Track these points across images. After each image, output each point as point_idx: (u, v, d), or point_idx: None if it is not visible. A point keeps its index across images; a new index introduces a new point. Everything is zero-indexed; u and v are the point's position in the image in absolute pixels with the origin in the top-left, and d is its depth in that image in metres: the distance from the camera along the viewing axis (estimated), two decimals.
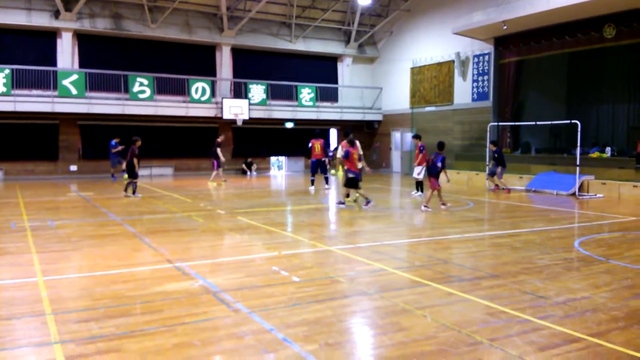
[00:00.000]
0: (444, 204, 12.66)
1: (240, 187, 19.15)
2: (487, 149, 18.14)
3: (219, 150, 19.97)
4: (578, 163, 15.83)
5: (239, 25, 24.91)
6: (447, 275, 6.42)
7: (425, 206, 12.41)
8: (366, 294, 5.64)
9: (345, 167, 12.87)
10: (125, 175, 21.67)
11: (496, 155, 17.04)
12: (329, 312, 5.00)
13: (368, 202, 12.67)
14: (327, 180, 17.94)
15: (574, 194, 15.72)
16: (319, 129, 21.47)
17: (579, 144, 15.80)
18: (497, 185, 17.16)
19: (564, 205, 13.70)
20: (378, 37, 28.69)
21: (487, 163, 18.11)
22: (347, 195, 13.36)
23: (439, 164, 12.47)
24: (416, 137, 15.91)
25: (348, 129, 13.55)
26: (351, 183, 12.74)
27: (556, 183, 16.62)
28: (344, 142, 13.38)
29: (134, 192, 15.08)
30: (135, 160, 14.59)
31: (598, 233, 9.52)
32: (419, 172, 15.51)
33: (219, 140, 20.25)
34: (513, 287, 5.86)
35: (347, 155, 12.74)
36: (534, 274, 6.46)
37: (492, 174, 17.41)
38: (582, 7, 16.63)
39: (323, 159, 17.46)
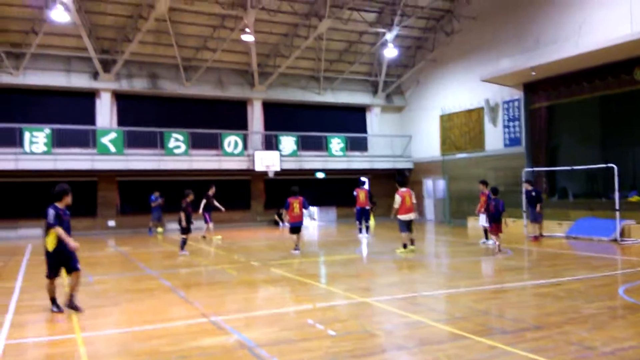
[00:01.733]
0: (500, 250, 13.10)
1: (273, 238, 19.18)
2: (523, 192, 17.78)
3: (210, 202, 18.66)
4: (617, 207, 15.39)
5: (269, 80, 25.61)
6: (488, 327, 6.22)
7: (499, 250, 12.92)
8: (405, 348, 5.49)
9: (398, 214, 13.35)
10: (160, 230, 22.18)
11: (534, 194, 16.27)
12: None
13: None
14: (367, 229, 17.90)
15: (615, 240, 15.22)
16: (361, 178, 21.24)
17: (617, 188, 15.42)
18: (539, 234, 16.26)
19: (606, 252, 13.25)
20: (405, 86, 29.04)
21: (525, 208, 17.36)
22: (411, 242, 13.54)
23: (501, 209, 13.15)
24: (483, 183, 15.49)
25: (400, 176, 13.68)
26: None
27: (596, 229, 16.15)
28: (407, 190, 13.66)
29: (181, 248, 14.20)
30: (182, 215, 13.89)
31: None
32: (485, 219, 14.70)
33: (209, 193, 18.69)
34: (558, 338, 5.63)
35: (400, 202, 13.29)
36: (579, 323, 6.21)
37: (535, 219, 16.42)
38: (610, 50, 16.57)
39: (367, 207, 17.72)
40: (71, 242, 7.20)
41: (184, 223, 13.95)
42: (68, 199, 7.50)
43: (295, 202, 14.10)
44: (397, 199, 13.41)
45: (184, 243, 14.21)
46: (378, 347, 5.59)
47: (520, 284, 9.15)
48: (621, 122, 19.79)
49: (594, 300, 7.47)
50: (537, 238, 16.22)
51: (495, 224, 13.17)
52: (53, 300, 7.50)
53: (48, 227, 7.27)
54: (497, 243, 13.13)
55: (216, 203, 18.94)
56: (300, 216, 14.25)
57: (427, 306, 7.48)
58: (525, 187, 17.05)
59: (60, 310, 7.37)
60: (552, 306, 7.20)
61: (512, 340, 5.59)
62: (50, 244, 7.32)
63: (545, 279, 9.44)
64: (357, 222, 18.20)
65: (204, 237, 18.74)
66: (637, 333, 5.73)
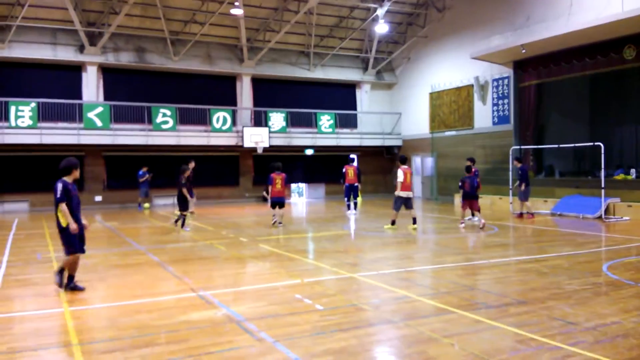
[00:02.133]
0: (463, 222, 14.08)
1: (261, 214, 19.20)
2: (510, 169, 17.90)
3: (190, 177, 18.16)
4: (603, 186, 15.57)
5: (258, 55, 25.35)
6: (473, 302, 6.31)
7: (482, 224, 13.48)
8: (391, 322, 5.56)
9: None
10: (147, 205, 22.09)
11: (520, 172, 16.38)
12: (354, 341, 4.94)
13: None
14: (355, 205, 17.95)
15: (600, 217, 15.43)
16: (350, 155, 21.27)
17: (603, 167, 15.58)
18: (521, 212, 16.52)
19: (590, 229, 13.44)
20: (396, 63, 28.90)
21: (513, 185, 17.41)
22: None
23: (476, 186, 13.98)
24: (471, 161, 15.66)
25: (403, 154, 13.74)
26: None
27: (582, 206, 16.34)
28: (407, 168, 13.71)
29: (182, 226, 13.96)
30: (184, 191, 13.71)
31: (626, 256, 9.30)
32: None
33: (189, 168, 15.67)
34: (542, 313, 5.73)
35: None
36: (563, 299, 6.32)
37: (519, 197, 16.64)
38: (601, 29, 16.57)
39: (356, 184, 17.82)
40: (72, 224, 6.88)
41: (189, 199, 13.98)
42: (76, 173, 7.26)
43: (278, 178, 14.48)
44: (400, 174, 13.44)
45: (184, 220, 14.05)
46: (365, 321, 5.66)
47: (505, 259, 9.27)
48: (609, 101, 19.92)
49: (578, 277, 7.60)
50: (523, 215, 16.38)
51: (469, 201, 13.88)
52: (71, 278, 7.12)
53: (55, 201, 7.07)
54: (462, 217, 14.16)
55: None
56: (282, 192, 14.60)
57: (414, 281, 7.57)
58: (515, 164, 17.17)
59: (61, 287, 7.07)
60: (536, 282, 7.32)
61: (496, 315, 5.68)
62: (63, 219, 7.00)
63: (530, 255, 9.58)
64: (346, 199, 18.25)
65: (191, 212, 18.63)
66: (619, 309, 5.85)
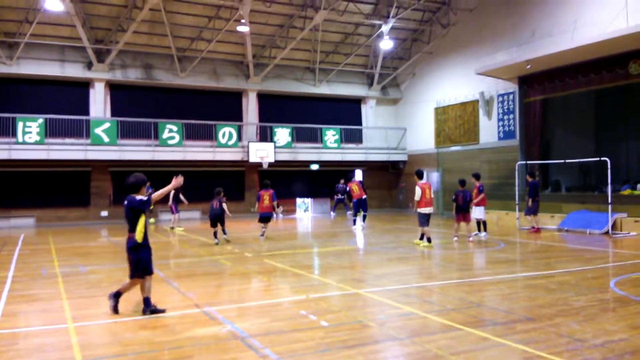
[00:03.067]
0: (456, 236, 14.35)
1: (267, 229, 19.16)
2: (517, 184, 17.82)
3: (178, 193, 18.57)
4: (610, 201, 15.48)
5: (264, 71, 25.52)
6: (480, 318, 6.25)
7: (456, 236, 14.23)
8: (397, 339, 5.51)
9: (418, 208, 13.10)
10: (152, 220, 22.10)
11: (529, 187, 16.29)
12: (360, 358, 4.89)
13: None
14: (364, 218, 18.02)
15: (607, 233, 15.31)
16: (351, 172, 21.78)
17: (609, 182, 15.50)
18: (532, 227, 16.38)
19: (597, 245, 13.34)
20: (401, 79, 29.02)
21: (525, 199, 17.09)
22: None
23: (468, 200, 14.46)
24: (475, 176, 15.70)
25: (420, 169, 13.68)
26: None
27: (588, 222, 16.23)
28: (426, 182, 13.42)
29: (215, 236, 14.56)
30: (225, 207, 14.48)
31: (633, 272, 9.22)
32: (480, 212, 15.39)
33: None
34: (549, 330, 5.67)
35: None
36: (570, 316, 6.25)
37: (530, 212, 16.47)
38: (605, 44, 16.59)
39: (364, 197, 18.11)
40: (172, 183, 6.79)
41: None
42: (144, 190, 6.85)
43: (266, 195, 15.25)
44: (418, 191, 12.86)
45: (219, 232, 14.66)
46: (370, 337, 5.62)
47: (512, 275, 9.20)
48: (615, 115, 19.85)
49: (585, 293, 7.52)
50: (533, 230, 16.30)
51: (462, 214, 14.29)
52: (147, 301, 6.67)
53: (137, 213, 6.62)
54: (456, 231, 14.48)
55: (181, 196, 18.99)
56: (269, 207, 15.39)
57: (419, 298, 7.51)
58: (527, 178, 17.12)
59: (115, 312, 6.67)
60: (544, 298, 7.25)
61: (503, 332, 5.62)
62: (140, 234, 6.62)
63: (537, 271, 9.50)
64: (352, 214, 18.38)
65: (171, 228, 18.94)
66: (627, 326, 5.78)
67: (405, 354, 5.07)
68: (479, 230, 15.33)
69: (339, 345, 5.28)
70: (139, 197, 6.66)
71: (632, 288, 7.83)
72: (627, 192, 17.36)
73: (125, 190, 6.81)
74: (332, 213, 25.60)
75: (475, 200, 15.17)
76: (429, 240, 13.05)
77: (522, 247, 13.37)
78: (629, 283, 8.25)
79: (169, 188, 6.83)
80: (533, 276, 9.03)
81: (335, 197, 25.33)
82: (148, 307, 6.66)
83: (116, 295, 6.75)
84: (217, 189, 14.64)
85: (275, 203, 15.34)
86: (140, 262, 6.68)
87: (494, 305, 6.97)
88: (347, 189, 18.31)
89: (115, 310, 6.69)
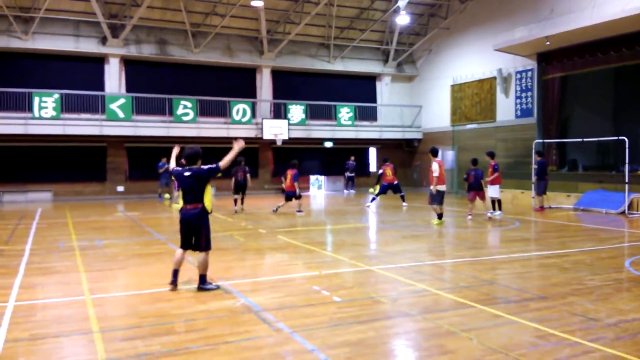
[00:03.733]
0: (470, 215, 14.36)
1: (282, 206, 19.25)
2: (533, 162, 17.68)
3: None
4: (627, 180, 15.28)
5: (278, 47, 25.33)
6: (492, 296, 6.25)
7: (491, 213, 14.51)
8: (409, 315, 5.54)
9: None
10: (167, 195, 22.28)
11: (535, 166, 16.63)
12: (372, 333, 4.93)
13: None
14: (403, 198, 17.97)
15: (623, 213, 15.15)
16: (386, 158, 21.64)
17: (627, 161, 15.28)
18: (542, 206, 16.67)
19: (613, 224, 13.21)
20: (417, 55, 28.65)
21: (533, 180, 17.34)
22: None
23: (480, 178, 14.45)
24: (490, 155, 15.58)
25: (434, 147, 13.64)
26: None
27: (605, 201, 16.06)
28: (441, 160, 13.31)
29: (235, 203, 16.58)
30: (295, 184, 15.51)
31: None
32: (494, 190, 15.28)
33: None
34: (562, 308, 5.65)
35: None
36: (584, 295, 6.23)
37: (539, 191, 16.87)
38: (626, 21, 16.19)
39: (396, 182, 18.07)
40: (235, 148, 6.60)
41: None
42: (200, 162, 6.69)
43: (289, 174, 15.76)
44: (436, 167, 12.77)
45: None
46: (382, 313, 5.65)
47: (525, 254, 9.16)
48: (635, 94, 19.46)
49: (600, 273, 7.48)
50: (541, 209, 16.49)
51: (474, 192, 14.37)
52: (203, 278, 6.61)
53: (205, 182, 6.53)
54: (470, 210, 14.49)
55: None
56: (291, 186, 15.72)
57: (432, 275, 7.52)
58: (535, 157, 17.09)
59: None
60: (557, 277, 7.22)
61: (516, 310, 5.62)
62: (210, 203, 6.60)
63: (551, 250, 9.45)
64: (375, 197, 18.45)
65: (170, 204, 19.02)
66: None
67: (416, 329, 5.10)
68: (494, 209, 15.25)
69: (351, 320, 5.32)
70: (206, 166, 6.56)
71: None
72: None
73: (188, 161, 6.66)
74: (345, 191, 25.63)
75: (489, 179, 15.11)
76: (440, 217, 13.12)
77: (537, 226, 13.29)
78: None
79: (234, 154, 6.60)
80: (547, 255, 8.99)
81: (346, 174, 25.45)
82: (204, 284, 6.57)
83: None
84: (239, 158, 15.31)
85: (295, 184, 15.48)
86: (209, 233, 6.61)
87: (507, 284, 6.96)
88: (381, 171, 18.42)
89: (175, 286, 6.58)
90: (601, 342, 4.58)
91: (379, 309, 5.82)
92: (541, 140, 19.72)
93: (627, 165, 15.32)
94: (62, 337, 4.93)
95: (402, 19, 23.81)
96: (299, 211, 16.01)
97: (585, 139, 17.66)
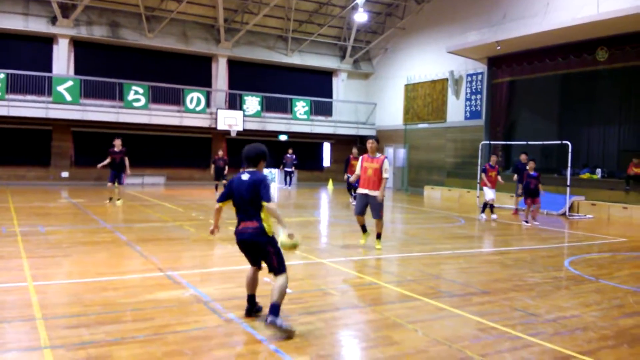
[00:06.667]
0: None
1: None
2: (479, 164, 18.13)
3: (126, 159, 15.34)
4: (569, 183, 15.97)
5: (235, 37, 25.06)
6: (438, 290, 6.44)
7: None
8: (357, 307, 5.64)
9: None
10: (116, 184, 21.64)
11: (519, 167, 15.63)
12: (321, 324, 5.00)
13: None
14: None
15: (564, 214, 15.83)
16: (319, 143, 21.39)
17: (569, 165, 15.96)
18: (517, 209, 16.32)
19: (554, 225, 13.79)
20: (373, 53, 28.95)
21: (516, 179, 16.07)
22: None
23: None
24: (494, 154, 14.80)
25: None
26: None
27: (547, 203, 16.69)
28: None
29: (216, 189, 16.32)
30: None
31: (588, 253, 9.60)
32: (485, 192, 14.69)
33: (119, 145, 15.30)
34: (504, 303, 5.89)
35: None
36: (525, 291, 6.50)
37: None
38: (575, 30, 16.89)
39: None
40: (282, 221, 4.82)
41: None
42: (263, 165, 5.19)
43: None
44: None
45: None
46: (331, 305, 5.73)
47: (470, 251, 9.46)
48: (579, 101, 20.32)
49: (540, 270, 7.81)
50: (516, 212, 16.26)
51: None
52: (276, 309, 4.70)
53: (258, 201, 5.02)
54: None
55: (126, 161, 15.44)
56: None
57: (381, 269, 7.68)
58: (522, 158, 15.99)
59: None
60: (500, 273, 7.50)
61: (459, 304, 5.81)
62: (270, 226, 5.01)
63: (495, 247, 9.80)
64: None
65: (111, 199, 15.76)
66: (579, 303, 6.03)
67: (364, 320, 5.20)
68: (484, 212, 14.79)
69: (300, 311, 5.38)
70: (269, 182, 5.03)
71: (586, 268, 8.16)
72: (586, 176, 17.93)
73: (248, 162, 5.13)
74: (282, 186, 24.95)
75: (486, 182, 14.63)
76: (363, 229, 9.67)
77: (481, 225, 13.73)
78: (582, 263, 8.60)
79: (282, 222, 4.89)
80: (490, 252, 9.32)
81: (284, 169, 24.12)
82: (276, 317, 4.63)
83: (273, 312, 4.67)
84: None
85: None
86: (281, 251, 4.98)
87: (452, 278, 7.18)
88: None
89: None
90: (540, 337, 4.80)
91: (328, 300, 5.90)
92: (488, 142, 20.33)
93: (569, 169, 15.99)
94: (3, 323, 4.77)
95: (360, 17, 23.99)
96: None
97: (530, 142, 18.32)
